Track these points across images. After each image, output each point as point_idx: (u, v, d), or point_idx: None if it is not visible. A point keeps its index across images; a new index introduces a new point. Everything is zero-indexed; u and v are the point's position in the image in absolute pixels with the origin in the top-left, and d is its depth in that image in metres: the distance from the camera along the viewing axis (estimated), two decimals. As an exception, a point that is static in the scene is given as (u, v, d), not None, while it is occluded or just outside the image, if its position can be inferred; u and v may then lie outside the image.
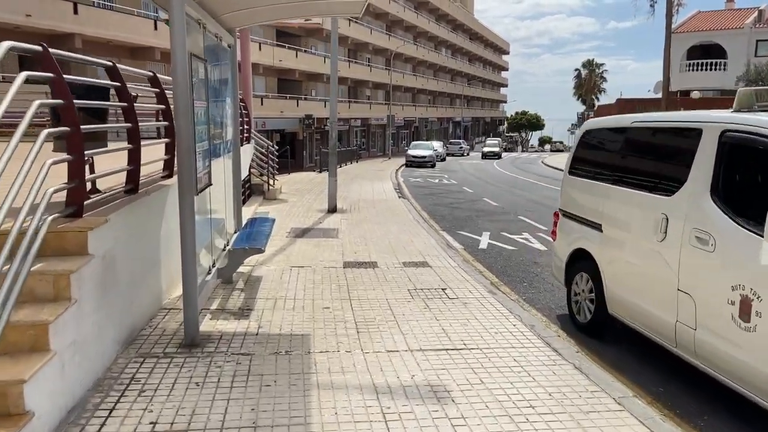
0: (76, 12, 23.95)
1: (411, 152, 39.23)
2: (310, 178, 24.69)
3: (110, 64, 5.26)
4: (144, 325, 5.21)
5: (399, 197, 17.65)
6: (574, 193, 6.04)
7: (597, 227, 5.44)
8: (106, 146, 5.39)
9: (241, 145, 12.93)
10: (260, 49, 36.62)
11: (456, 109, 79.88)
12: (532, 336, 5.22)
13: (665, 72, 35.58)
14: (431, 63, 68.49)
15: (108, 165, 5.34)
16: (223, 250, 6.58)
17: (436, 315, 5.78)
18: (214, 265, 5.94)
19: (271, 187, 15.33)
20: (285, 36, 41.56)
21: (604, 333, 5.59)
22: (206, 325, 5.29)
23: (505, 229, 12.16)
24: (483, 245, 10.37)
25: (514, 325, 5.50)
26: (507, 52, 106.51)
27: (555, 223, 6.46)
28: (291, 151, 43.68)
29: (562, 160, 45.99)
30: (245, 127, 13.53)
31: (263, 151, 15.86)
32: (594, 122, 6.02)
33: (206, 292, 5.63)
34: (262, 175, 15.50)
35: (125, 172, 5.36)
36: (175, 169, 5.24)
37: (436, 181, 26.04)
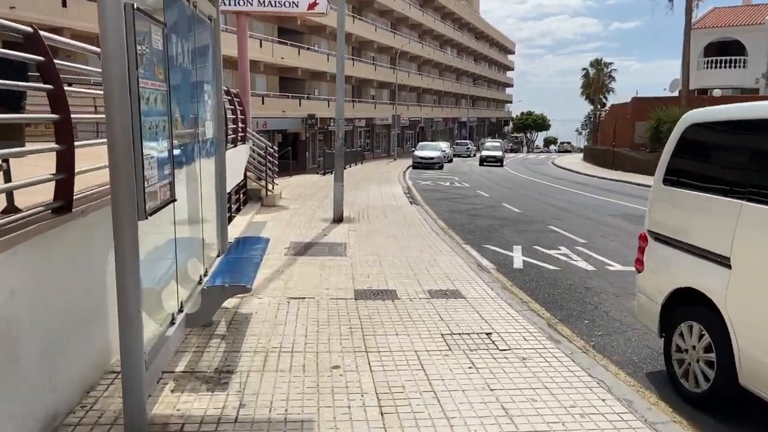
0: (65, 5, 22.52)
1: (418, 153, 37.65)
2: (313, 181, 23.12)
3: (30, 30, 3.69)
4: (75, 404, 3.62)
5: (411, 203, 16.05)
6: (676, 212, 4.44)
7: (720, 261, 3.84)
8: (23, 145, 3.84)
9: (235, 146, 11.38)
10: (261, 45, 35.14)
11: (461, 109, 78.31)
12: (636, 422, 3.61)
13: (684, 69, 33.94)
14: (437, 62, 66.91)
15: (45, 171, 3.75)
16: (199, 282, 5.00)
17: (488, 381, 4.17)
18: (182, 309, 4.35)
19: (269, 193, 13.75)
20: (287, 33, 40.05)
21: (728, 409, 3.98)
22: (164, 403, 3.70)
23: (538, 242, 10.55)
24: (518, 264, 8.76)
25: (603, 400, 3.89)
26: (512, 52, 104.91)
27: (641, 249, 4.86)
28: (293, 152, 42.14)
29: (572, 160, 44.41)
30: (240, 125, 11.98)
31: (261, 152, 14.29)
32: (703, 114, 4.40)
33: (168, 349, 4.04)
34: (259, 179, 13.93)
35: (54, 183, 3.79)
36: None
37: (447, 184, 24.44)
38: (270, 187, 14.29)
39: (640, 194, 20.89)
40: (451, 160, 45.19)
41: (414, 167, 36.18)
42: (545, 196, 19.55)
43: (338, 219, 11.77)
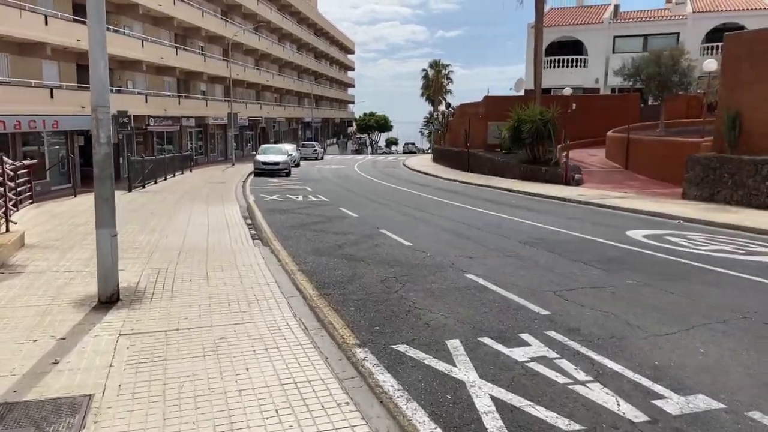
0: None
1: (260, 158, 31.95)
2: (111, 202, 16.53)
3: None
4: None
5: (253, 238, 10.79)
6: None
7: None
8: None
9: None
10: (47, 23, 27.04)
11: (305, 108, 73.34)
12: None
13: (537, 67, 32.44)
14: (276, 57, 61.19)
15: None
16: None
17: None
18: None
19: (-13, 245, 7.55)
20: (85, 11, 31.83)
21: None
22: None
23: (481, 325, 6.04)
24: (489, 417, 4.07)
25: None
26: (353, 51, 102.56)
27: None
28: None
29: (423, 162, 41.19)
30: None
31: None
32: None
33: None
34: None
35: None
36: None
37: (300, 198, 19.37)
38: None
39: (526, 205, 17.71)
40: (298, 165, 40.13)
41: (256, 174, 30.57)
42: (426, 214, 15.40)
43: (109, 299, 6.19)
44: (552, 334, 5.77)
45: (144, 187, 21.14)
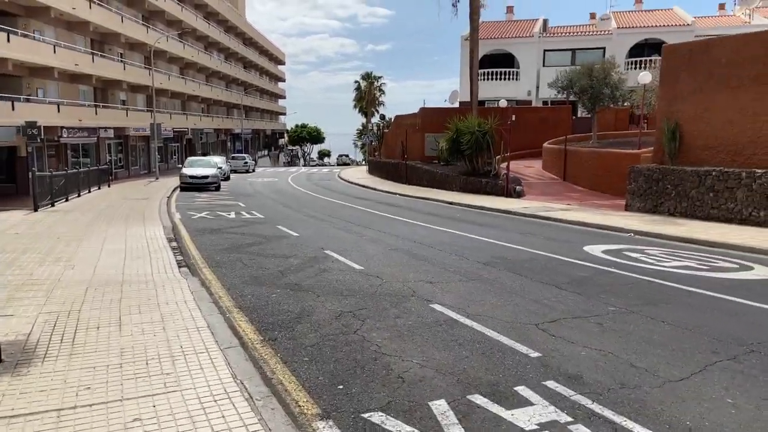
0: None
1: (187, 171, 29.89)
2: (4, 227, 14.43)
3: None
4: None
5: (179, 266, 9.30)
6: None
7: None
8: None
9: None
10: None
11: (234, 119, 70.79)
12: None
13: (473, 79, 32.28)
14: (202, 66, 58.62)
15: None
16: None
17: None
18: None
19: None
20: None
21: None
22: None
23: (468, 376, 4.99)
24: None
25: None
26: (283, 62, 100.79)
27: None
28: (11, 174, 30.96)
29: (359, 175, 40.01)
30: None
31: None
32: None
33: None
34: None
35: None
36: None
37: (232, 215, 17.78)
38: None
39: (473, 219, 16.97)
40: (228, 178, 38.12)
41: (183, 189, 28.52)
42: (372, 231, 14.31)
43: (-16, 364, 4.69)
44: (552, 385, 4.80)
45: (53, 206, 18.86)
